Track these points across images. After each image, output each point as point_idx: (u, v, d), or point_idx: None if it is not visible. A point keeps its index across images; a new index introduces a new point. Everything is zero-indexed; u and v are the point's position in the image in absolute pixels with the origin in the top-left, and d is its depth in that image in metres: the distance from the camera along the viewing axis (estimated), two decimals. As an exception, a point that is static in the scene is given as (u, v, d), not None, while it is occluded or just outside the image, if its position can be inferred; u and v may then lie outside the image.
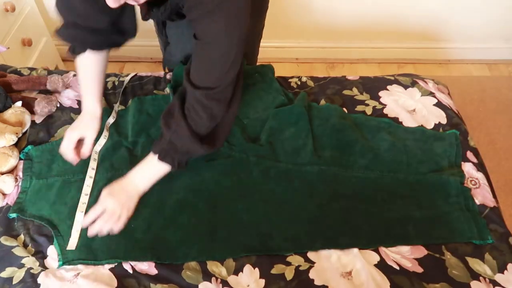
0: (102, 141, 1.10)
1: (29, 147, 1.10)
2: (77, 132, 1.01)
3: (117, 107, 1.20)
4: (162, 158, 0.95)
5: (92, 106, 1.05)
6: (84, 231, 0.94)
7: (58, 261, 0.90)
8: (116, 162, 1.06)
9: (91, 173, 1.04)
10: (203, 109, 0.92)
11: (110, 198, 0.94)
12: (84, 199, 0.99)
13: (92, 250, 0.92)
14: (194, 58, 0.92)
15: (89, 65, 1.04)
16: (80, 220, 0.95)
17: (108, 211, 0.93)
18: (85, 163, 1.05)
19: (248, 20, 0.86)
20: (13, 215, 0.98)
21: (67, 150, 1.01)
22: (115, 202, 0.94)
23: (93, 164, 1.05)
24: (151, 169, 0.98)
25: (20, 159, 1.08)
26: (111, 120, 1.15)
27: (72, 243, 0.92)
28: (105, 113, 1.14)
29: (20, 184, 1.04)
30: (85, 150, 1.02)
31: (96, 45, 1.02)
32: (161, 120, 0.96)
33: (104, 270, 0.89)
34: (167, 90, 1.24)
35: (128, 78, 1.28)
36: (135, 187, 0.97)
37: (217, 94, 0.92)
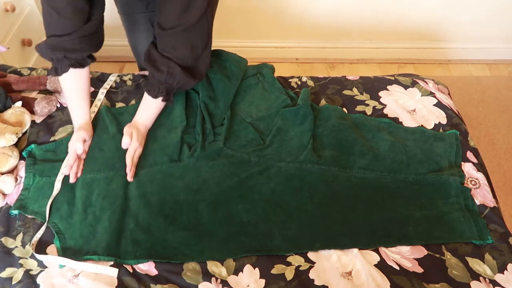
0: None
1: (32, 145, 1.10)
2: (81, 138, 1.06)
3: (97, 105, 1.20)
4: (164, 99, 1.09)
5: (82, 120, 1.12)
6: (83, 231, 0.94)
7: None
8: (117, 162, 1.06)
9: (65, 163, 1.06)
10: (184, 45, 1.03)
11: (133, 130, 1.06)
12: (57, 185, 1.02)
13: (91, 249, 0.92)
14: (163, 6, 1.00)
15: (76, 82, 1.11)
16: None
17: (135, 138, 1.06)
18: (88, 164, 1.06)
19: None
20: (15, 212, 0.98)
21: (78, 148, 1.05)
22: (136, 135, 1.06)
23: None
24: (154, 109, 1.12)
25: (23, 157, 1.09)
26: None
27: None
28: (107, 111, 1.17)
29: (23, 181, 1.04)
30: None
31: (76, 55, 1.07)
32: (146, 66, 1.07)
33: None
34: None
35: (113, 78, 1.28)
36: (145, 127, 1.11)
37: (196, 28, 1.01)
